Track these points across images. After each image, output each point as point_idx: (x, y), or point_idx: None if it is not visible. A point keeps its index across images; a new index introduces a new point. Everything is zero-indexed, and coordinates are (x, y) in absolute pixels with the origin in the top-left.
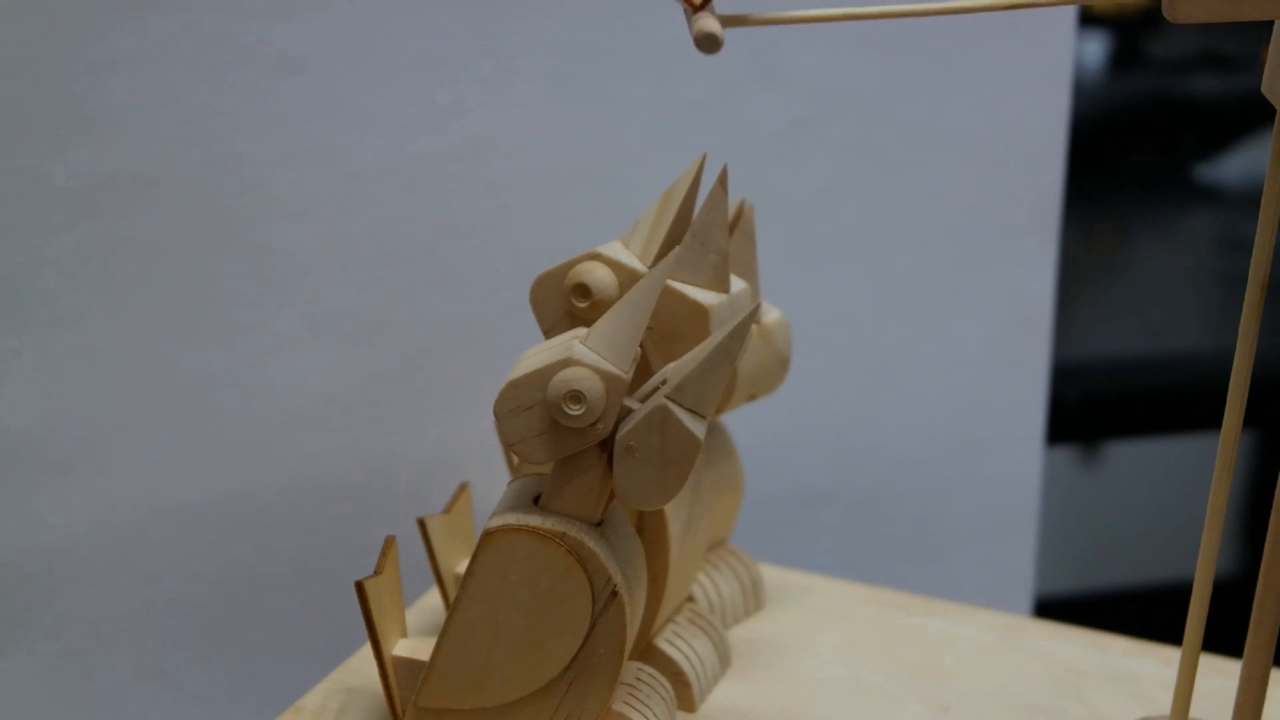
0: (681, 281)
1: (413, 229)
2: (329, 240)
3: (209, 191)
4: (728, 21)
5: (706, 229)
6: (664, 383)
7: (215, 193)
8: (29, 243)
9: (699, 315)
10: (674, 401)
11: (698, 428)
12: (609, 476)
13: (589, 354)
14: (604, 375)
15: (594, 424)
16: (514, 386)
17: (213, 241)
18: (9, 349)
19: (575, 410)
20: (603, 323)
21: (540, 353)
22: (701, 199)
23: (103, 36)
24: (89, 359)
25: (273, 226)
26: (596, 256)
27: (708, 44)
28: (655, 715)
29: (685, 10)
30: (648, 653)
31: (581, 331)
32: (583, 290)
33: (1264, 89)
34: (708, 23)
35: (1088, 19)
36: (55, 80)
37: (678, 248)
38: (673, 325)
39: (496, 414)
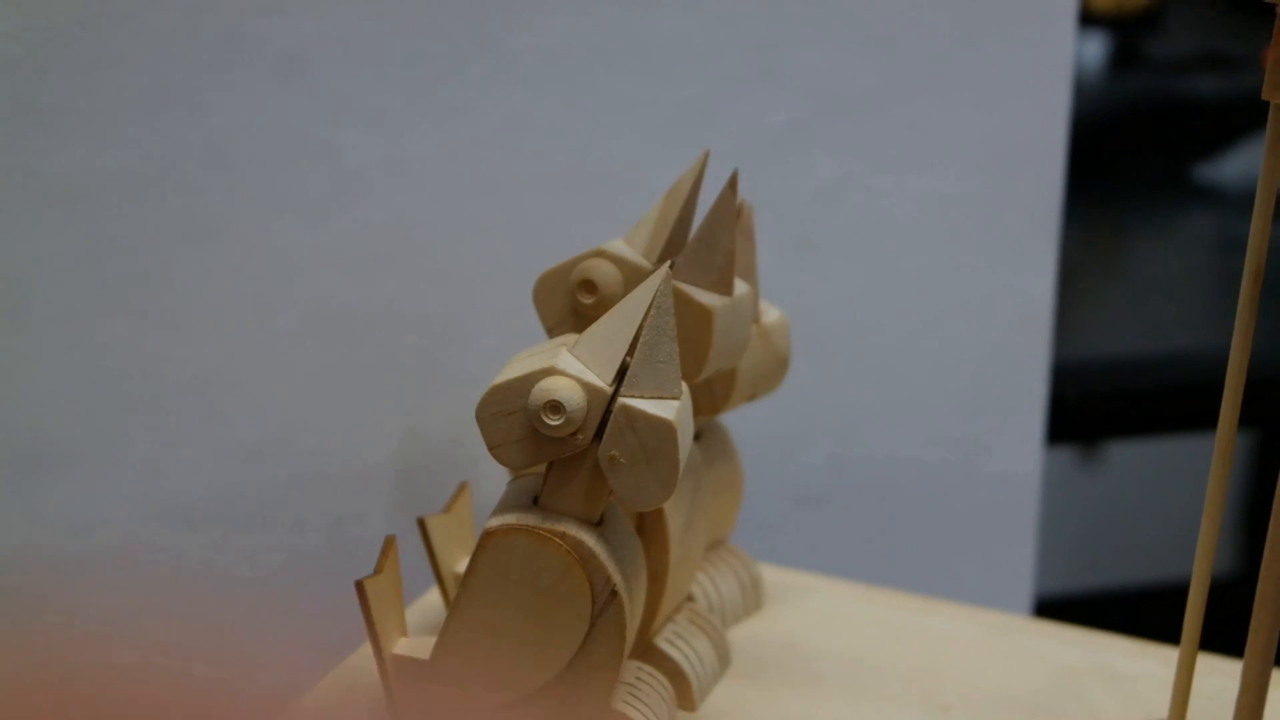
0: (686, 283)
1: (412, 228)
2: (328, 239)
3: (209, 189)
4: None
5: (712, 231)
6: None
7: (216, 190)
8: (29, 239)
9: (704, 317)
10: (629, 397)
11: (665, 410)
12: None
13: (573, 363)
14: (586, 386)
15: (574, 434)
16: (496, 391)
17: (211, 240)
18: (7, 347)
19: (554, 420)
20: (592, 332)
21: (527, 358)
22: (704, 198)
23: (100, 33)
24: (87, 357)
25: (272, 225)
26: (601, 253)
27: None
28: (655, 714)
29: None
30: (647, 652)
31: (571, 338)
32: (589, 286)
33: (1265, 95)
34: None
35: (1088, 19)
36: (54, 78)
37: (681, 254)
38: (677, 327)
39: (478, 417)
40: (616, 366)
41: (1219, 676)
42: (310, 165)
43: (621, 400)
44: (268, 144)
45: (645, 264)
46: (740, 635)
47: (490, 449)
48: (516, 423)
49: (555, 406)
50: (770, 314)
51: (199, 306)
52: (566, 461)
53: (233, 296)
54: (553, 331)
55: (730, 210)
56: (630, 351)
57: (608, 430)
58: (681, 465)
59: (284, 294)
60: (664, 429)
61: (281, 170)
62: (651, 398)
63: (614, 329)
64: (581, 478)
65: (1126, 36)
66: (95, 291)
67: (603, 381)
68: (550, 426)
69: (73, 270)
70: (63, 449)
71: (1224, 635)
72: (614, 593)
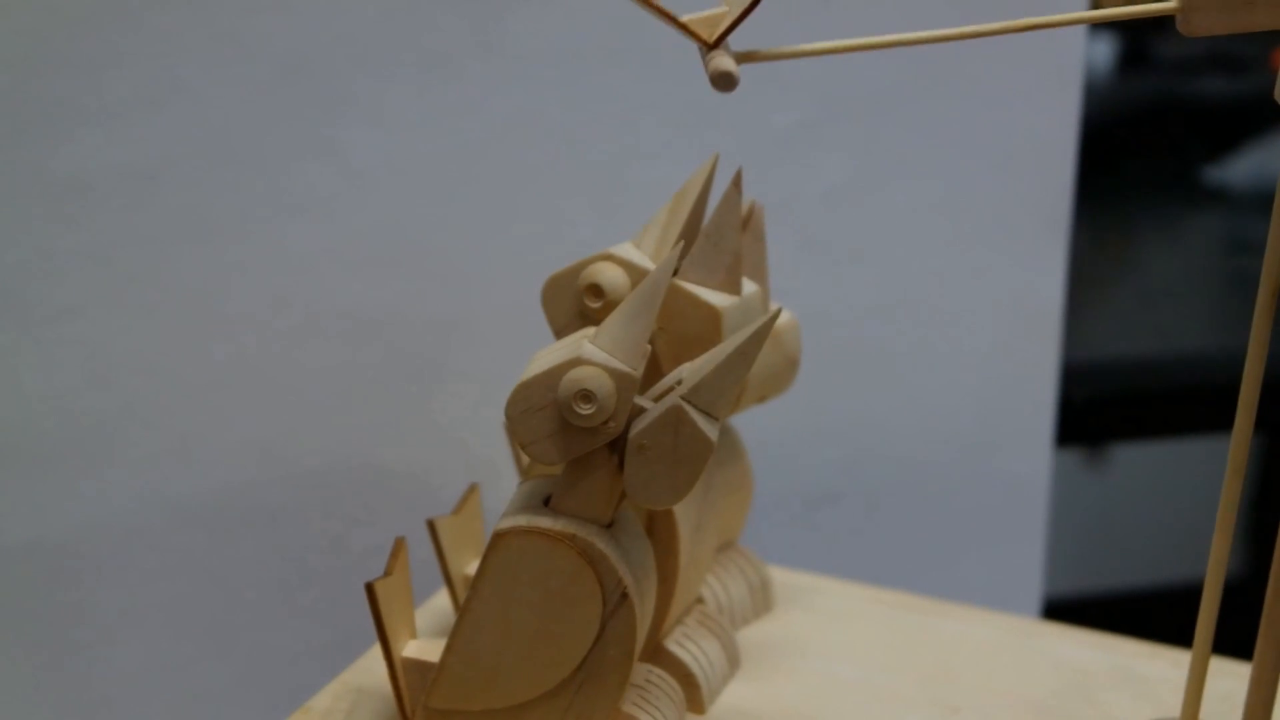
0: (694, 283)
1: (420, 228)
2: (333, 238)
3: (213, 187)
4: (739, 58)
5: (719, 230)
6: (679, 383)
7: (219, 189)
8: (33, 237)
9: (711, 317)
10: (688, 402)
11: (711, 429)
12: (619, 478)
13: (598, 353)
14: (614, 373)
15: (605, 422)
16: (525, 387)
17: (217, 237)
18: (12, 343)
19: (586, 409)
20: (611, 321)
21: (550, 353)
22: (713, 199)
23: (105, 31)
24: (94, 355)
25: (275, 223)
26: (609, 257)
27: (723, 83)
28: (665, 717)
29: (700, 49)
30: (657, 654)
31: (591, 330)
32: (596, 291)
33: (1278, 96)
34: (723, 62)
35: None
36: (58, 75)
37: (686, 245)
38: (685, 327)
39: (508, 415)
40: (640, 351)
41: (1227, 678)
42: (314, 164)
43: (680, 400)
44: (271, 142)
45: (652, 268)
46: (750, 637)
47: (523, 446)
48: (547, 417)
49: (586, 395)
50: (780, 315)
51: (203, 304)
52: (579, 463)
53: (238, 295)
54: (561, 334)
55: (736, 209)
56: (652, 339)
57: (653, 420)
58: (697, 482)
59: (291, 292)
60: (703, 446)
61: (285, 169)
62: (703, 412)
63: (634, 314)
64: (594, 480)
65: (1135, 38)
66: (98, 289)
67: (629, 366)
68: (582, 416)
69: (75, 267)
70: (66, 446)
71: (1228, 636)
72: (624, 595)
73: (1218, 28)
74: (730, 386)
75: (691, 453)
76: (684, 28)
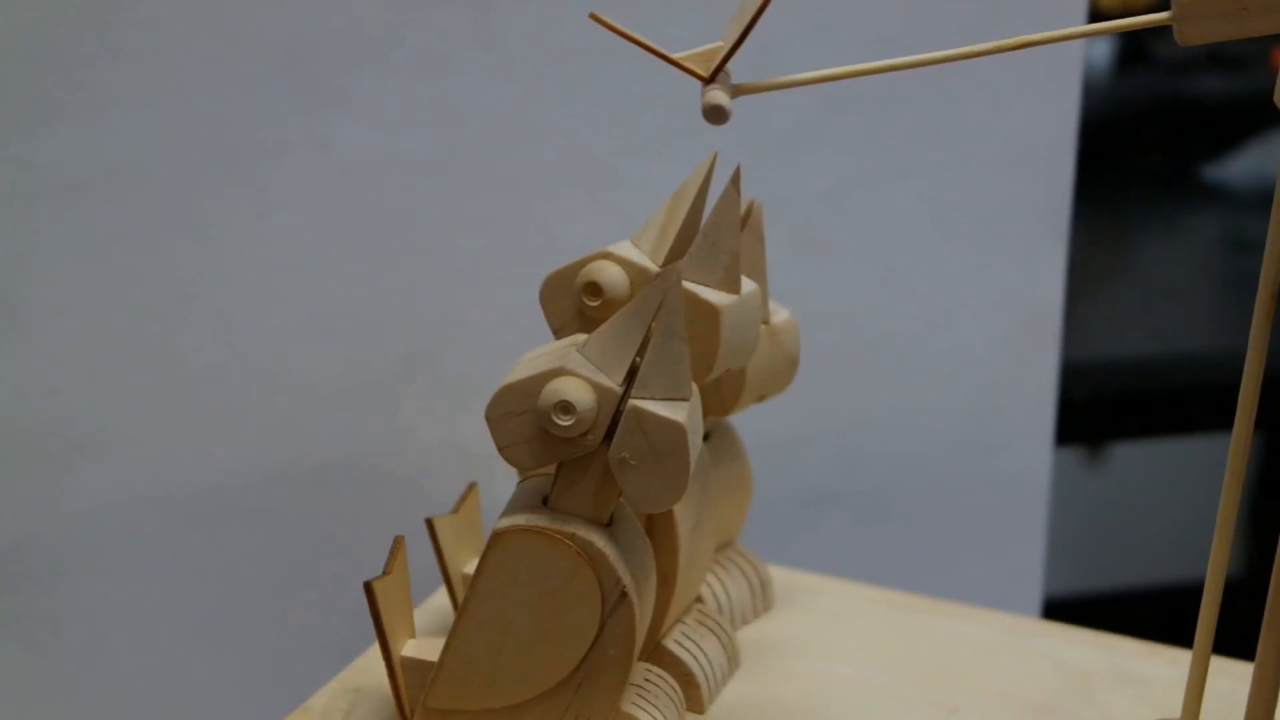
0: (692, 282)
1: (417, 225)
2: (334, 237)
3: (207, 184)
4: (733, 91)
5: (718, 229)
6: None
7: (213, 185)
8: (25, 233)
9: (710, 315)
10: (641, 398)
11: (676, 412)
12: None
13: (584, 364)
14: (596, 387)
15: (584, 435)
16: (507, 391)
17: (214, 235)
18: (7, 339)
19: (565, 421)
20: (601, 332)
21: (538, 358)
22: (712, 198)
23: (96, 26)
24: (91, 352)
25: (272, 221)
26: (608, 255)
27: (715, 116)
28: (664, 716)
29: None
30: (656, 653)
31: (581, 338)
32: (594, 289)
33: (1277, 99)
34: (714, 96)
35: (1095, 18)
36: (48, 70)
37: (687, 254)
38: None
39: (488, 417)
40: (627, 366)
41: (1227, 678)
42: (310, 160)
43: (632, 402)
44: (267, 139)
45: (652, 266)
46: (749, 636)
47: (500, 449)
48: (527, 423)
49: (566, 407)
50: (779, 314)
51: (200, 302)
52: (576, 462)
53: (236, 293)
54: (559, 333)
55: (735, 208)
56: (640, 352)
57: (619, 431)
58: (692, 468)
59: (290, 291)
60: (675, 431)
61: (281, 165)
62: (662, 399)
63: (624, 329)
64: (591, 479)
65: (1134, 35)
66: (94, 285)
67: (613, 382)
68: (561, 427)
69: (71, 263)
70: (63, 445)
71: (1228, 636)
72: (624, 594)
73: (1213, 35)
74: (673, 363)
75: (668, 444)
76: (678, 64)
